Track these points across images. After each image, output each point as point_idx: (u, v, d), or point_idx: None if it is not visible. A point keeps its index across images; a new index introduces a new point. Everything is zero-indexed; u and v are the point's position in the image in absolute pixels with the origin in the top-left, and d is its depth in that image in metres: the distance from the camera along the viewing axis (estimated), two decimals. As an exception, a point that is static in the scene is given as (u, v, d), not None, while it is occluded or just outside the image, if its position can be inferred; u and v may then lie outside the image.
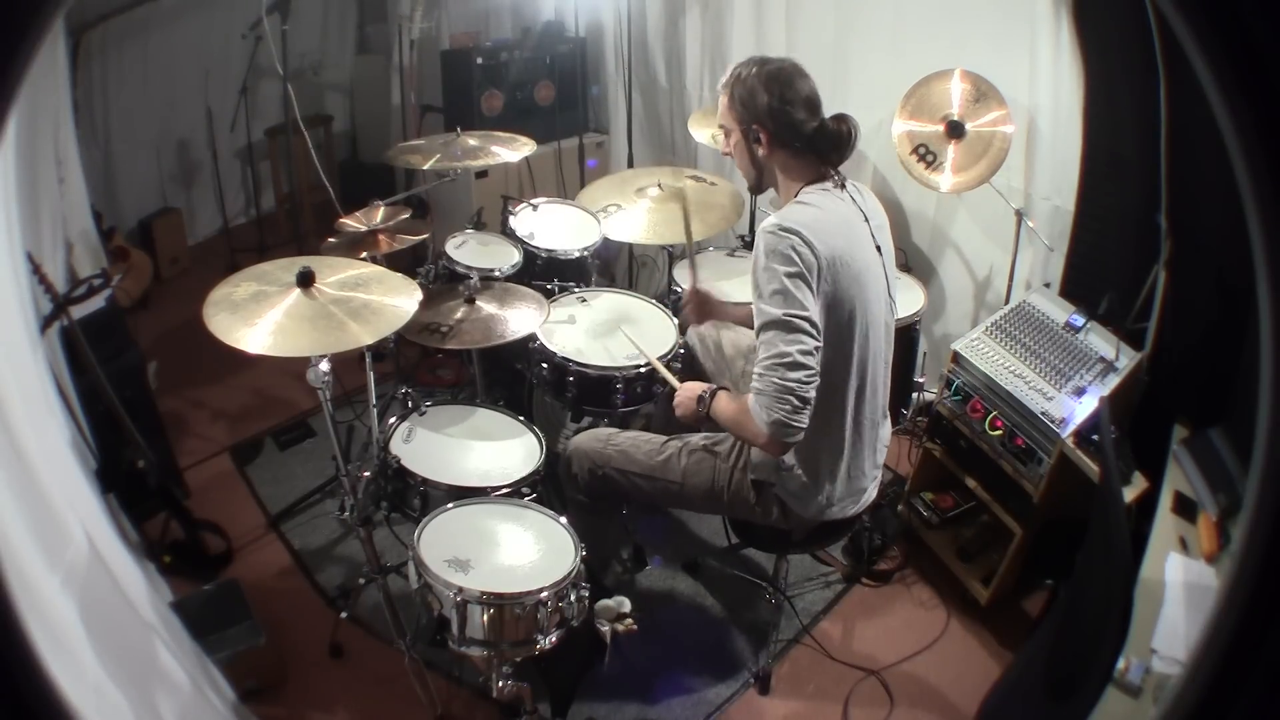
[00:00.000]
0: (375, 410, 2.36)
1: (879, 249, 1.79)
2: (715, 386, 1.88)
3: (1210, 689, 0.60)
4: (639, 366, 2.27)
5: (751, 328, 2.17)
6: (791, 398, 1.59)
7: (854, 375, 1.76)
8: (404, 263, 2.56)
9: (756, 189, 1.87)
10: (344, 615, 2.29)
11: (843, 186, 1.77)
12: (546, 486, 2.13)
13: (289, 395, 3.30)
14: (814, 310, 1.62)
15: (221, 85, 4.25)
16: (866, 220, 1.77)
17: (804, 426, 1.62)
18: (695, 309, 2.21)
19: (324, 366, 1.84)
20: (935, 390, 2.54)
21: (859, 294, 1.70)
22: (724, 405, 1.81)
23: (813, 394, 1.62)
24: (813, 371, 1.61)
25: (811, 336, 1.61)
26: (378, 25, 4.89)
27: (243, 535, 2.64)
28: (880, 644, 2.35)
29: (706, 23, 3.50)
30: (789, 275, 1.60)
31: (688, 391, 1.91)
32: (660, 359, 2.21)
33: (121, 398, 2.26)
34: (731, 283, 2.67)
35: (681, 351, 2.34)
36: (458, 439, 2.18)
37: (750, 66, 1.73)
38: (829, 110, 1.75)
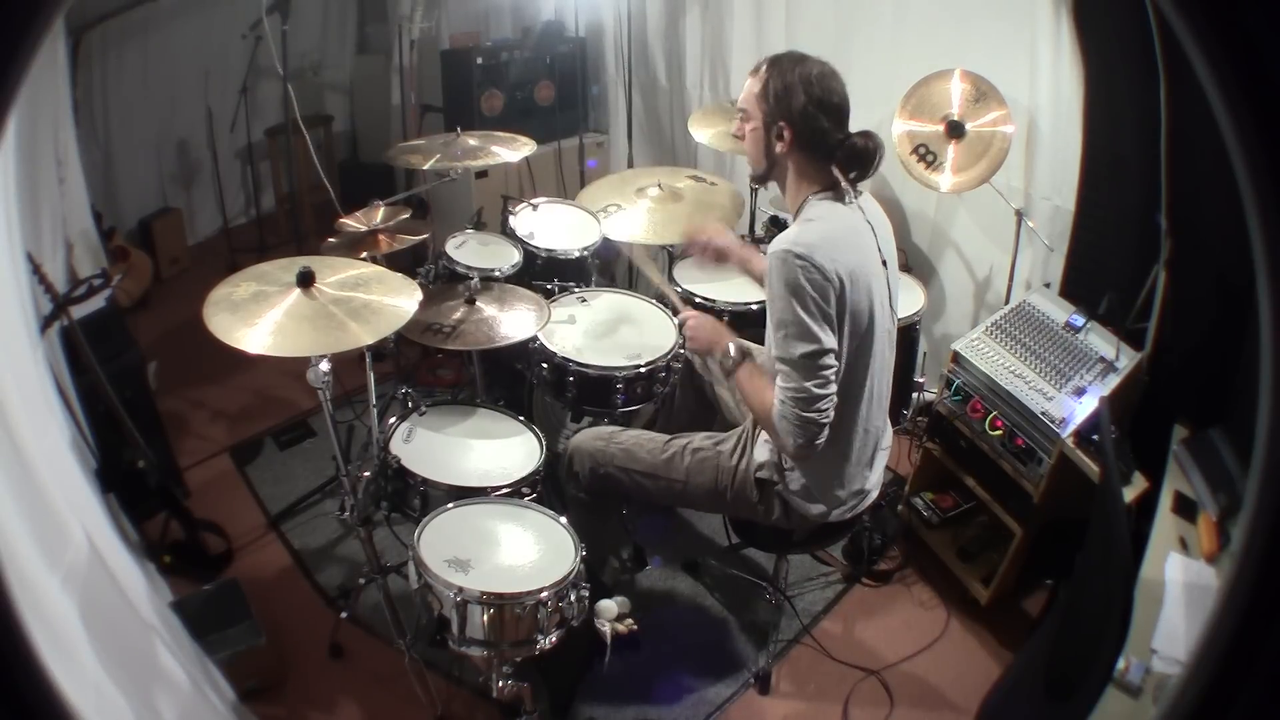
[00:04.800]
0: (375, 410, 2.35)
1: (884, 262, 1.78)
2: (747, 349, 1.88)
3: (1210, 689, 0.60)
4: (639, 366, 2.27)
5: (751, 273, 2.16)
6: (813, 427, 1.66)
7: (857, 380, 1.77)
8: (404, 263, 2.55)
9: (762, 180, 1.86)
10: (344, 615, 2.29)
11: (854, 198, 1.75)
12: (546, 486, 2.13)
13: (289, 395, 3.29)
14: (831, 338, 1.64)
15: (221, 85, 4.24)
16: (874, 232, 1.77)
17: (824, 441, 1.70)
18: (709, 252, 2.17)
19: (324, 366, 1.84)
20: (935, 390, 2.54)
21: (868, 305, 1.70)
22: (751, 386, 1.83)
23: (832, 415, 1.68)
24: (831, 397, 1.67)
25: (828, 367, 1.65)
26: (378, 25, 4.89)
27: (243, 535, 2.64)
28: (880, 644, 2.35)
29: (706, 23, 3.50)
30: (803, 307, 1.61)
31: (712, 331, 1.93)
32: (654, 368, 2.21)
33: (121, 398, 2.26)
34: (731, 283, 2.67)
35: (681, 350, 2.34)
36: (458, 439, 2.18)
37: (793, 62, 1.70)
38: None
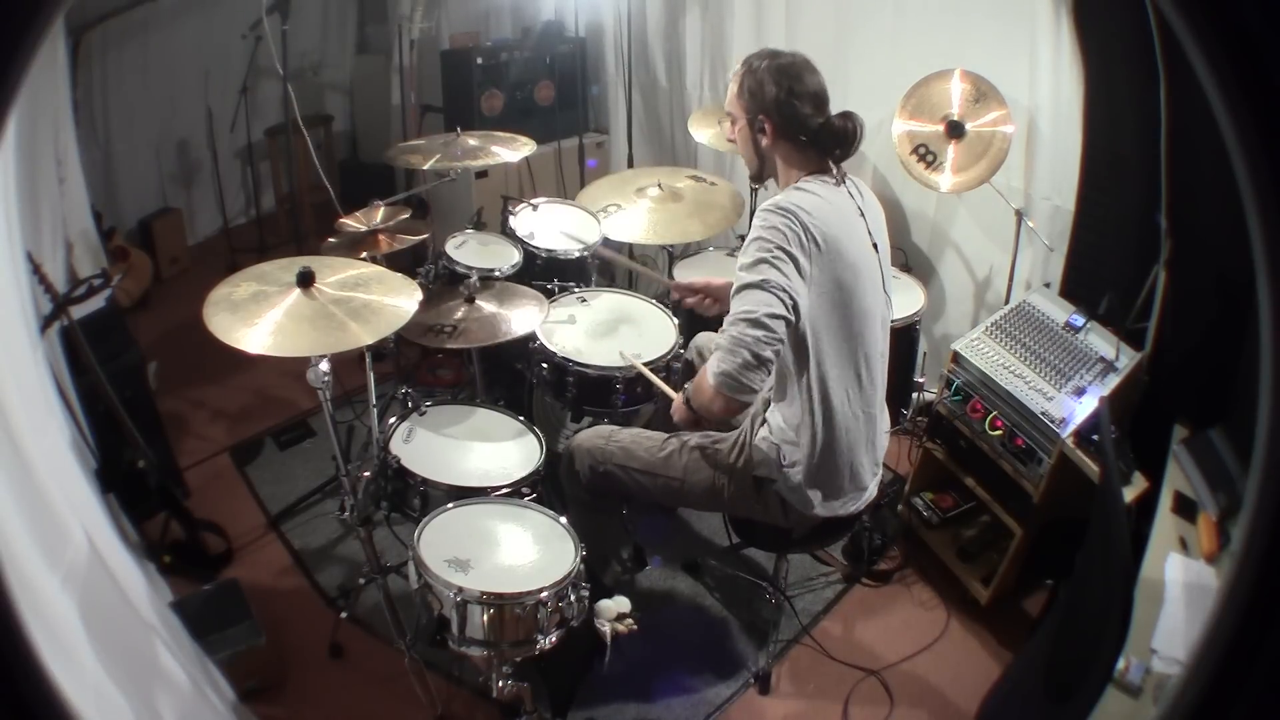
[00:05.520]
0: (375, 410, 2.36)
1: (875, 246, 1.80)
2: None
3: (1210, 689, 0.60)
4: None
5: None
6: (745, 351, 1.59)
7: (849, 364, 1.77)
8: (404, 263, 2.55)
9: (758, 178, 1.89)
10: (344, 615, 2.29)
11: (842, 182, 1.78)
12: (546, 486, 2.13)
13: (289, 395, 3.29)
14: (793, 285, 1.63)
15: (221, 85, 4.25)
16: (863, 216, 1.78)
17: (753, 387, 1.63)
18: (700, 301, 2.19)
19: (324, 366, 1.84)
20: (935, 390, 2.54)
21: (853, 282, 1.71)
22: (695, 381, 1.82)
23: (770, 355, 1.61)
24: (774, 335, 1.61)
25: (782, 304, 1.62)
26: (378, 25, 4.89)
27: (243, 535, 2.64)
28: (880, 644, 2.35)
29: (706, 23, 3.50)
30: (777, 248, 1.62)
31: (677, 400, 1.93)
32: (654, 367, 2.20)
33: (121, 398, 2.26)
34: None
35: (681, 351, 2.34)
36: (458, 439, 2.18)
37: (762, 59, 1.76)
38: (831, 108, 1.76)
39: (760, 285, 1.62)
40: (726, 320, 1.66)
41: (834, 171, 1.78)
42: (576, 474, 2.05)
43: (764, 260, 1.63)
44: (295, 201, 4.37)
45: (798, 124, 1.73)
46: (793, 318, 1.64)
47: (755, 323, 1.60)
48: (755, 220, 1.68)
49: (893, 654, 2.31)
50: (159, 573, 2.29)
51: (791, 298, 1.63)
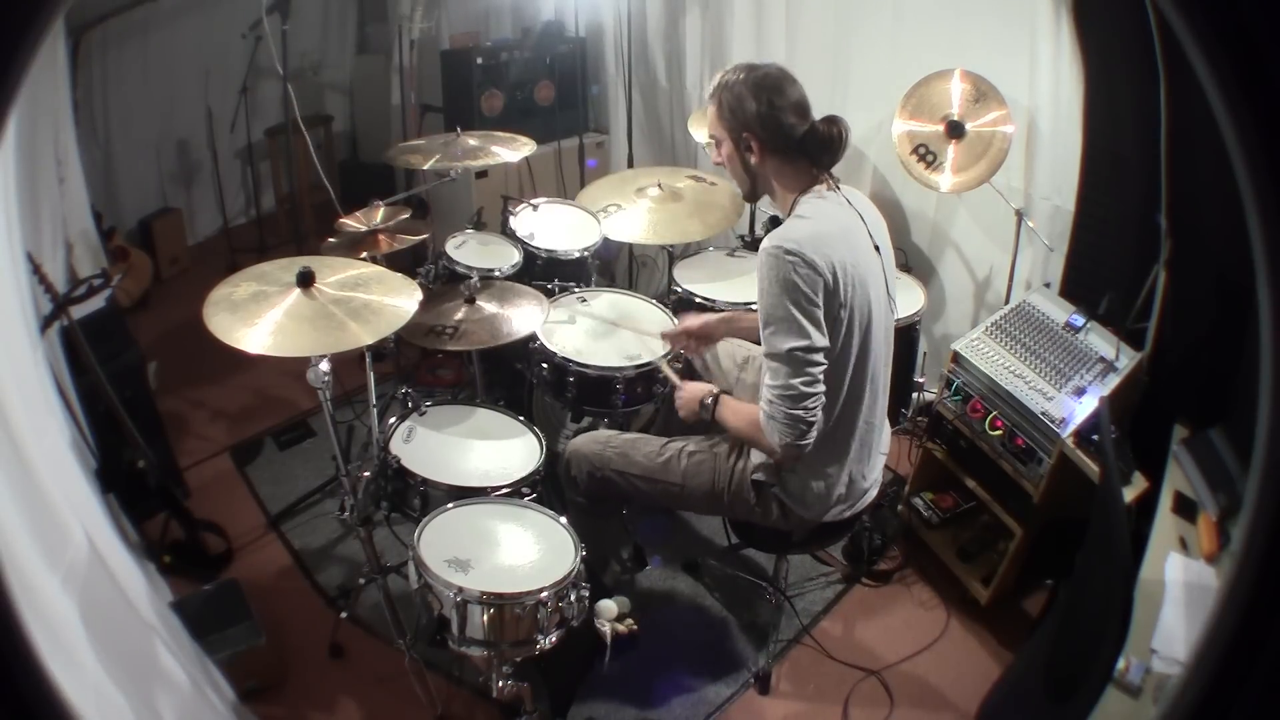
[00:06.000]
0: (375, 410, 2.36)
1: (877, 249, 1.79)
2: (718, 391, 1.89)
3: (1210, 689, 0.60)
4: (639, 366, 2.27)
5: (743, 334, 2.19)
6: (800, 425, 1.66)
7: (857, 378, 1.76)
8: (404, 263, 2.56)
9: (751, 197, 1.87)
10: (344, 615, 2.29)
11: (835, 188, 1.76)
12: (546, 486, 2.13)
13: (289, 395, 3.29)
14: (820, 336, 1.64)
15: (221, 85, 4.25)
16: (863, 221, 1.77)
17: (812, 441, 1.69)
18: (695, 346, 2.22)
19: (324, 366, 1.84)
20: (935, 390, 2.54)
21: (863, 301, 1.70)
22: (731, 413, 1.84)
23: (819, 414, 1.67)
24: (818, 396, 1.66)
25: (817, 364, 1.64)
26: (378, 25, 4.89)
27: (243, 535, 2.64)
28: (880, 644, 2.35)
29: (706, 23, 3.50)
30: (794, 303, 1.61)
31: (691, 393, 1.94)
32: (663, 358, 2.22)
33: (121, 398, 2.26)
34: (731, 283, 2.67)
35: (681, 350, 2.34)
36: (458, 439, 2.18)
37: (737, 74, 1.72)
38: (827, 110, 1.75)
39: (792, 357, 1.63)
40: (769, 388, 1.67)
41: (827, 181, 1.75)
42: (575, 480, 2.05)
43: (786, 320, 1.62)
44: (295, 201, 4.37)
45: (783, 135, 1.70)
46: (823, 366, 1.66)
47: (800, 396, 1.64)
48: (762, 265, 1.65)
49: (893, 654, 2.31)
50: (159, 573, 2.29)
51: (821, 349, 1.64)
